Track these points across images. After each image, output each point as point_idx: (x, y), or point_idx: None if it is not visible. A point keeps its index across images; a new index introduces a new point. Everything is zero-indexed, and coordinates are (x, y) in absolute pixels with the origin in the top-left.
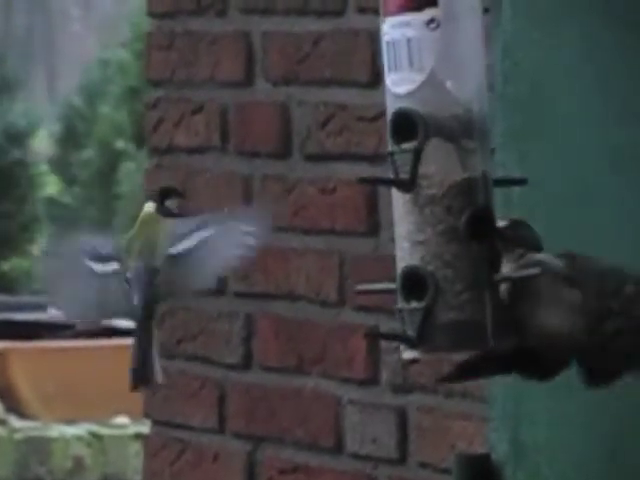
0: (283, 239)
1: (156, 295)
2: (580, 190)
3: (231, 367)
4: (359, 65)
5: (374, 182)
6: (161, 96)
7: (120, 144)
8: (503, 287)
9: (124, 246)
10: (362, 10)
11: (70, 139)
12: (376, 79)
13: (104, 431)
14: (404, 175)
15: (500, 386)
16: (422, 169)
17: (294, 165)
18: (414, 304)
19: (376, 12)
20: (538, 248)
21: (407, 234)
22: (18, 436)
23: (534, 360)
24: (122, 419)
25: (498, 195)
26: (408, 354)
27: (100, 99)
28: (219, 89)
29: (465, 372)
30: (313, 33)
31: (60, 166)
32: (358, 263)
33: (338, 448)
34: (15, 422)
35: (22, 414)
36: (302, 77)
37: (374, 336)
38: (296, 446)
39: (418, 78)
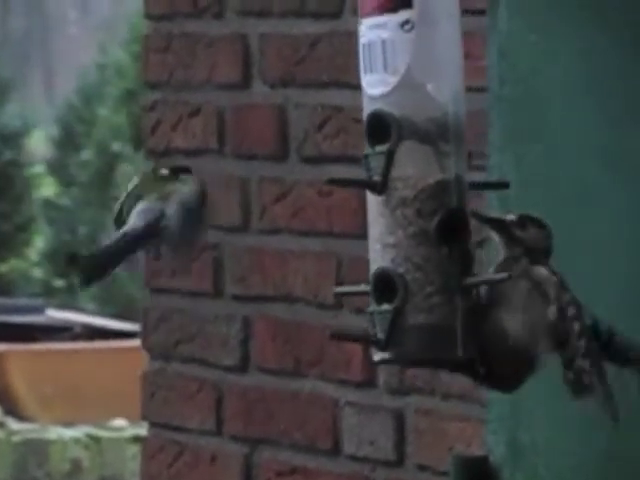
0: (280, 241)
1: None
2: (576, 191)
3: (228, 369)
4: (356, 67)
5: (344, 184)
6: (158, 98)
7: (117, 146)
8: (483, 290)
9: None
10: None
11: (68, 141)
12: None
13: (102, 433)
14: (377, 177)
15: None
16: (395, 171)
17: (291, 167)
18: (385, 306)
19: None
20: (544, 248)
21: (379, 236)
22: (16, 438)
23: (493, 370)
24: (120, 421)
25: (495, 196)
26: (378, 356)
27: (98, 101)
28: (216, 91)
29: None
30: (310, 35)
31: (57, 168)
32: (355, 265)
33: (336, 450)
34: (13, 424)
35: (20, 416)
36: (299, 79)
37: (340, 337)
38: (294, 448)
39: (392, 80)
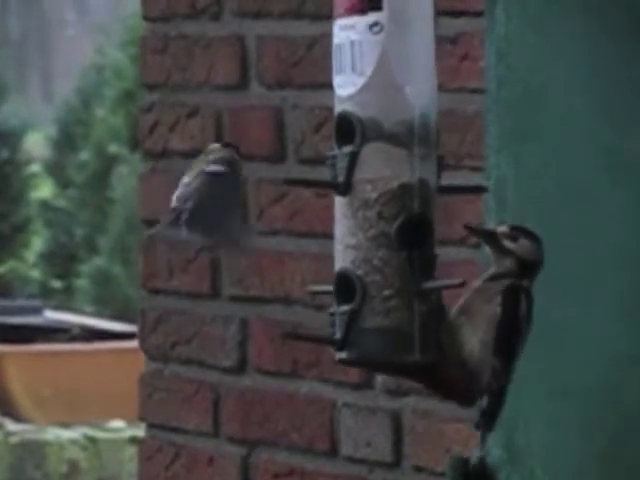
0: (278, 243)
1: None
2: (574, 192)
3: (226, 371)
4: None
5: (306, 184)
6: (156, 100)
7: (114, 148)
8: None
9: None
10: None
11: (65, 142)
12: None
13: (99, 435)
14: (341, 178)
15: None
16: (359, 173)
17: (289, 169)
18: (344, 307)
19: None
20: (535, 260)
21: (341, 237)
22: (13, 440)
23: (445, 380)
24: (117, 423)
25: (493, 198)
26: (338, 354)
27: (96, 102)
28: (214, 93)
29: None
30: (307, 37)
31: (55, 169)
32: None
33: (333, 452)
34: (10, 425)
35: (17, 417)
36: (296, 81)
37: (294, 337)
38: (291, 450)
39: (359, 81)
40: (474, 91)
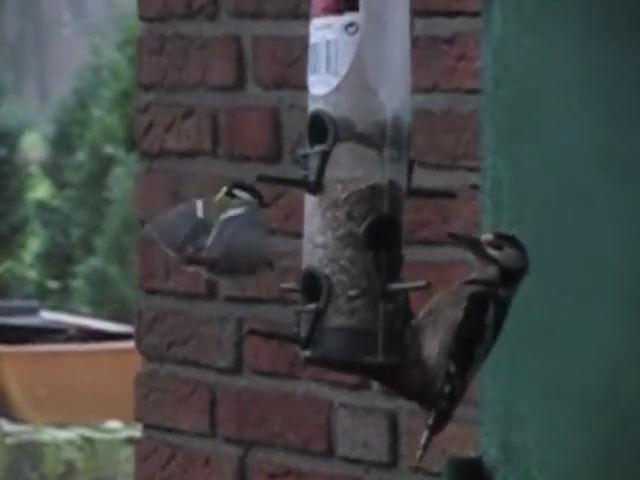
0: (274, 243)
1: None
2: (570, 192)
3: (222, 371)
4: None
5: (276, 182)
6: (152, 100)
7: (111, 148)
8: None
9: None
10: None
11: (62, 143)
12: None
13: (96, 435)
14: (312, 177)
15: (491, 390)
16: (330, 172)
17: (285, 169)
18: (310, 305)
19: None
20: (519, 268)
21: (310, 235)
22: (10, 440)
23: (405, 380)
24: (114, 423)
25: (489, 198)
26: (303, 353)
27: (93, 103)
28: (210, 93)
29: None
30: (304, 37)
31: (52, 169)
32: None
33: (329, 452)
34: (7, 426)
35: (14, 418)
36: (293, 81)
37: (258, 334)
38: (287, 450)
39: (333, 81)
40: (470, 91)
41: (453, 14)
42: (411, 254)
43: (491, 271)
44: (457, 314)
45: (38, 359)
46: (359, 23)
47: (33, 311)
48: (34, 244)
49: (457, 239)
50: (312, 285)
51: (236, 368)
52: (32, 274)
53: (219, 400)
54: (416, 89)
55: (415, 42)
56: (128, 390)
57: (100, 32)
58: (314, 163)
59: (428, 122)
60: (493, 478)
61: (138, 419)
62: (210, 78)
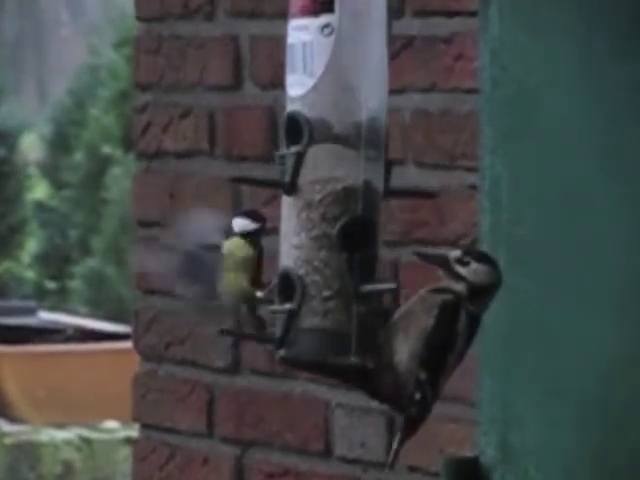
0: (271, 243)
1: None
2: (569, 192)
3: (220, 371)
4: None
5: (251, 183)
6: (149, 100)
7: (109, 148)
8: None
9: None
10: None
11: (59, 143)
12: None
13: (94, 435)
14: (287, 178)
15: (488, 390)
16: (306, 174)
17: None
18: (284, 306)
19: None
20: (489, 284)
21: (285, 236)
22: (8, 440)
23: (376, 384)
24: (112, 423)
25: (487, 198)
26: (277, 353)
27: (91, 103)
28: (207, 93)
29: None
30: None
31: (49, 170)
32: None
33: (327, 452)
34: (4, 426)
35: (12, 418)
36: None
37: (230, 333)
38: (285, 450)
39: (309, 82)
40: (468, 91)
41: (451, 14)
42: (408, 254)
43: (460, 287)
44: (428, 321)
45: (36, 359)
46: (334, 25)
47: (31, 311)
48: (32, 244)
49: (423, 257)
50: (287, 285)
51: (234, 368)
52: (30, 274)
53: (217, 400)
54: (414, 89)
55: (413, 42)
56: (126, 390)
57: (98, 32)
58: (289, 164)
59: (426, 122)
60: (491, 478)
61: (136, 419)
62: (207, 78)
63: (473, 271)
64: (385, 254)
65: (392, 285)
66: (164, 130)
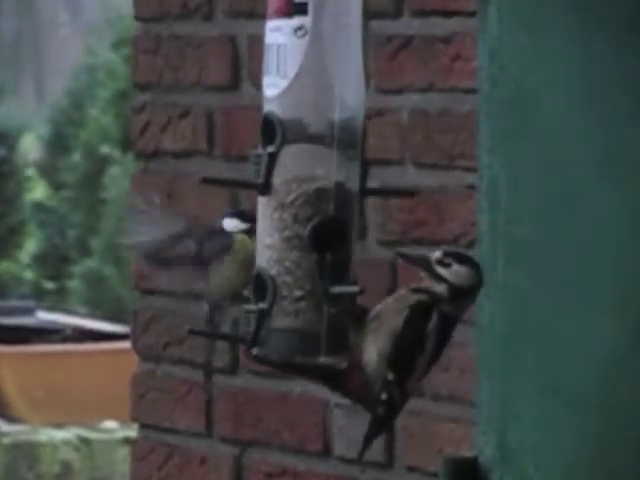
0: None
1: None
2: (567, 192)
3: (218, 371)
4: None
5: (222, 184)
6: (148, 100)
7: (107, 148)
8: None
9: None
10: None
11: (58, 143)
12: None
13: (92, 435)
14: (261, 178)
15: (487, 389)
16: (279, 174)
17: None
18: (258, 305)
19: (362, 15)
20: (469, 285)
21: (259, 236)
22: (6, 440)
23: (345, 384)
24: (110, 423)
25: (485, 198)
26: (251, 351)
27: (89, 103)
28: (205, 93)
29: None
30: None
31: (47, 170)
32: None
33: (325, 452)
34: (3, 426)
35: (10, 418)
36: None
37: (200, 334)
38: (283, 450)
39: (282, 83)
40: (467, 91)
41: (449, 14)
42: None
43: (441, 289)
44: (398, 322)
45: (34, 359)
46: (308, 27)
47: (29, 311)
48: (30, 245)
49: (405, 258)
50: (260, 285)
51: (232, 368)
52: (29, 274)
53: (215, 400)
54: (413, 89)
55: (411, 42)
56: (124, 390)
57: (96, 32)
58: (263, 164)
59: (425, 122)
60: (489, 478)
61: (134, 419)
62: (206, 78)
63: (454, 272)
64: (383, 254)
65: (356, 289)
66: (162, 130)
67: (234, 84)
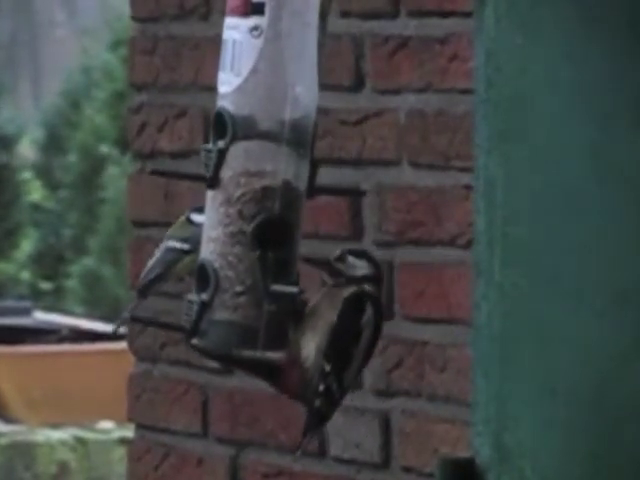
0: None
1: None
2: (563, 192)
3: (215, 372)
4: (342, 69)
5: (174, 177)
6: (144, 100)
7: (104, 149)
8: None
9: None
10: (345, 14)
11: (54, 144)
12: (359, 83)
13: (89, 436)
14: (209, 173)
15: (483, 390)
16: (227, 170)
17: None
18: (198, 296)
19: (359, 16)
20: (367, 276)
21: (205, 229)
22: (3, 441)
23: (284, 380)
24: (107, 424)
25: (482, 198)
26: (191, 341)
27: (86, 103)
28: (202, 93)
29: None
30: None
31: (44, 171)
32: None
33: (322, 452)
34: (0, 426)
35: (7, 418)
36: None
37: (145, 323)
38: (279, 450)
39: (235, 81)
40: (463, 91)
41: (446, 14)
42: (403, 255)
43: (340, 282)
44: (334, 316)
45: (31, 360)
46: (263, 27)
47: (26, 312)
48: (27, 245)
49: (310, 263)
50: (203, 276)
51: (228, 368)
52: (25, 275)
53: (211, 400)
54: (409, 89)
55: (408, 42)
56: (121, 390)
57: (93, 33)
58: (212, 159)
59: (421, 122)
60: (486, 479)
61: (131, 419)
62: (202, 78)
63: (351, 265)
64: (380, 254)
65: (295, 289)
66: (159, 130)
67: None
